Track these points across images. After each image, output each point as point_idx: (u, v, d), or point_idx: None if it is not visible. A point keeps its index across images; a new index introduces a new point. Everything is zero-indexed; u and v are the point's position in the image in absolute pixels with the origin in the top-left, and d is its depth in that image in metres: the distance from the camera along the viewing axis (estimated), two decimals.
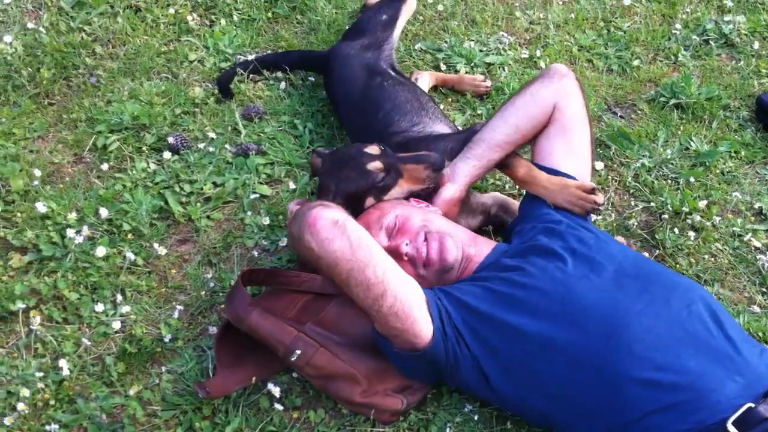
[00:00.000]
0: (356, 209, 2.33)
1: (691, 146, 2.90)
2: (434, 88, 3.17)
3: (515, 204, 2.61)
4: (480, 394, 2.17)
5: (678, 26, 3.38)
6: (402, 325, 1.99)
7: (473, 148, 2.41)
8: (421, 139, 2.60)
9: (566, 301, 1.99)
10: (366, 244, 1.93)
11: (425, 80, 3.12)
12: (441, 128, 2.69)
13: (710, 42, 3.32)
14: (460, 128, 2.88)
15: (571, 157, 2.37)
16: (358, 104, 2.81)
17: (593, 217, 2.53)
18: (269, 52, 3.33)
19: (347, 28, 3.25)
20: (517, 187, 2.74)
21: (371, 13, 3.11)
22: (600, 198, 2.30)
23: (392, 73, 2.93)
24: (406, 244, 2.23)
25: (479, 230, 2.58)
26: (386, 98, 2.76)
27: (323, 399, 2.29)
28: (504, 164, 2.44)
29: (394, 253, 2.20)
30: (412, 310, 2.00)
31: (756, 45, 3.28)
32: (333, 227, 1.90)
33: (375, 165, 2.35)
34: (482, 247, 2.30)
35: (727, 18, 3.39)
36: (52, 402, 2.26)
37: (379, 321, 2.01)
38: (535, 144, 2.43)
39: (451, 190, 2.41)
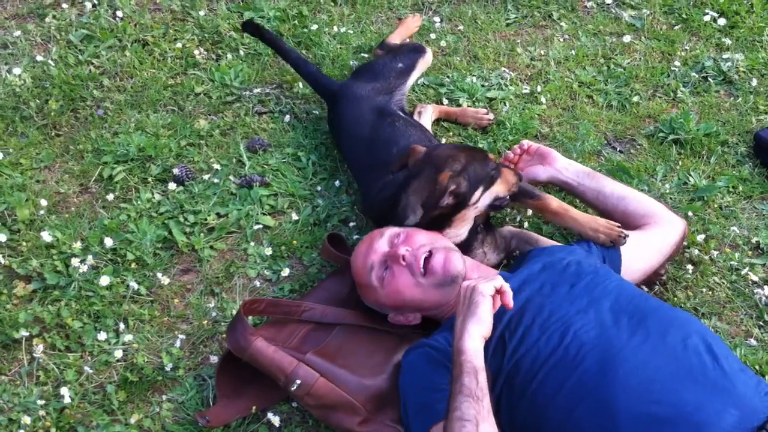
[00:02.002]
0: (466, 199, 2.38)
1: (689, 181, 2.93)
2: (437, 121, 3.21)
3: (535, 236, 2.66)
4: None
5: (677, 63, 3.42)
6: None
7: (588, 175, 2.68)
8: None
9: (564, 336, 2.01)
10: None
11: (428, 113, 3.15)
12: None
13: (709, 79, 3.36)
14: None
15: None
16: (368, 142, 2.82)
17: None
18: (276, 85, 3.39)
19: (358, 66, 3.30)
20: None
21: (388, 59, 3.14)
22: (623, 231, 2.46)
23: (402, 115, 2.96)
24: (407, 250, 2.25)
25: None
26: (399, 135, 2.78)
27: (323, 429, 2.30)
28: (535, 197, 2.57)
29: (393, 257, 2.24)
30: None
31: (754, 82, 3.32)
32: None
33: (491, 156, 2.50)
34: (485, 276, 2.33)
35: (725, 55, 3.43)
36: (53, 430, 2.27)
37: None
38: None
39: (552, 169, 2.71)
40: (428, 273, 2.24)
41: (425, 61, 3.18)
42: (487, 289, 1.94)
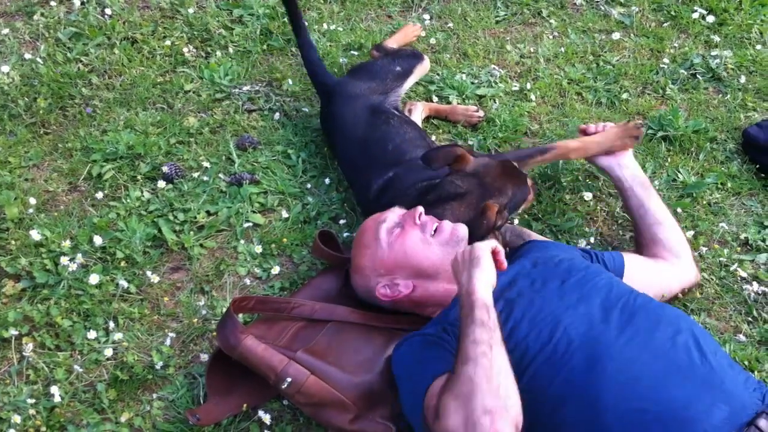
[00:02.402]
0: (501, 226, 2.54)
1: (678, 178, 2.94)
2: (427, 118, 3.21)
3: (527, 231, 2.69)
4: None
5: (666, 60, 3.44)
6: None
7: (642, 184, 2.70)
8: None
9: (553, 332, 2.01)
10: None
11: (419, 110, 3.16)
12: None
13: (697, 76, 3.37)
14: None
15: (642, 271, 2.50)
16: (362, 141, 2.82)
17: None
18: (266, 82, 3.38)
19: (354, 64, 3.30)
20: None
21: (386, 61, 3.14)
22: (637, 121, 2.83)
23: (397, 113, 2.96)
24: (424, 214, 2.37)
25: None
26: (394, 133, 2.79)
27: (314, 426, 2.30)
28: (550, 149, 2.73)
29: (409, 216, 2.34)
30: None
31: (742, 79, 3.33)
32: None
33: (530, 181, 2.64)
34: None
35: (714, 53, 3.44)
36: (43, 429, 2.26)
37: None
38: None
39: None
40: (437, 234, 2.33)
41: (423, 68, 3.18)
42: (485, 246, 2.01)
